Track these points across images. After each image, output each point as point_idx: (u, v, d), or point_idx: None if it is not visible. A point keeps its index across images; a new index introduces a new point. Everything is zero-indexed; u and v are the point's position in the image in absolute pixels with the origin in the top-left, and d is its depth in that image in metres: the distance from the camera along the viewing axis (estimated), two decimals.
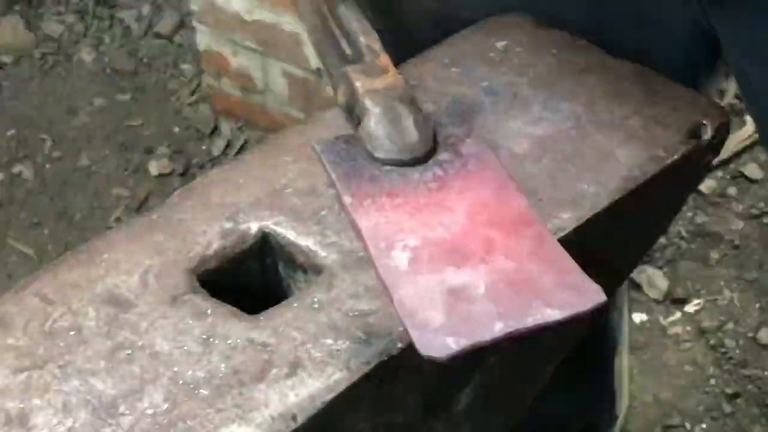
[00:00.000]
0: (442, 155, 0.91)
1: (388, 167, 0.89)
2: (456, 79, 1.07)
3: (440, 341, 0.79)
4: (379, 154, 0.89)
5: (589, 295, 0.84)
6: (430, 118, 0.93)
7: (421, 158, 0.90)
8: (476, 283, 0.84)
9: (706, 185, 2.65)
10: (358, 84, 0.91)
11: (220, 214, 0.95)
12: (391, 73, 0.93)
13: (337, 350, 0.84)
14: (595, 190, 0.97)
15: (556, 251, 0.87)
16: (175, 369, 0.83)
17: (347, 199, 0.87)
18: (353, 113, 0.92)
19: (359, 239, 0.86)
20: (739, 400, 2.26)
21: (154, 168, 2.71)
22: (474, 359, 0.96)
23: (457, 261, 0.85)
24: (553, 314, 0.82)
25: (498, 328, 0.81)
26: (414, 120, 0.90)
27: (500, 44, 1.11)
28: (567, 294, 0.84)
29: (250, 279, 0.95)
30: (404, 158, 0.89)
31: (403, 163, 0.89)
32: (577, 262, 0.98)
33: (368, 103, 0.90)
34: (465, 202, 0.88)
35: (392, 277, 0.84)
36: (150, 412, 0.80)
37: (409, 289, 0.82)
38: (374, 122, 0.90)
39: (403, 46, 1.08)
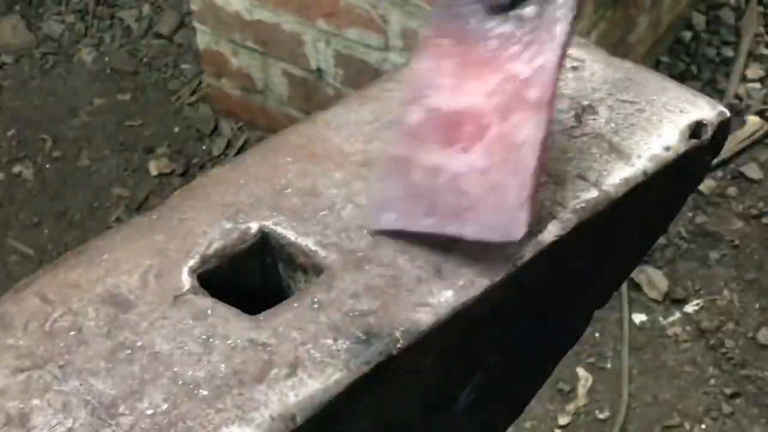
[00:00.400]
0: (528, 9, 0.90)
1: (475, 8, 0.90)
2: None
3: (382, 217, 0.91)
4: None
5: (510, 232, 0.88)
6: None
7: (506, 6, 0.90)
8: (445, 170, 0.90)
9: (706, 185, 2.65)
10: None
11: (220, 214, 0.95)
12: None
13: (337, 350, 0.84)
14: (595, 189, 0.97)
15: (527, 165, 0.89)
16: (175, 369, 0.83)
17: (426, 32, 0.91)
18: None
19: None
20: (738, 401, 2.26)
21: (154, 168, 2.71)
22: (473, 360, 0.96)
23: (447, 139, 0.90)
24: (470, 233, 0.89)
25: (426, 224, 0.90)
26: None
27: None
28: (497, 221, 0.89)
29: (250, 279, 0.95)
30: (485, 4, 0.90)
31: (486, 8, 0.90)
32: (575, 262, 0.99)
33: None
34: (501, 75, 0.90)
35: (399, 133, 0.92)
36: (150, 412, 0.80)
37: (401, 150, 0.91)
38: None
39: None
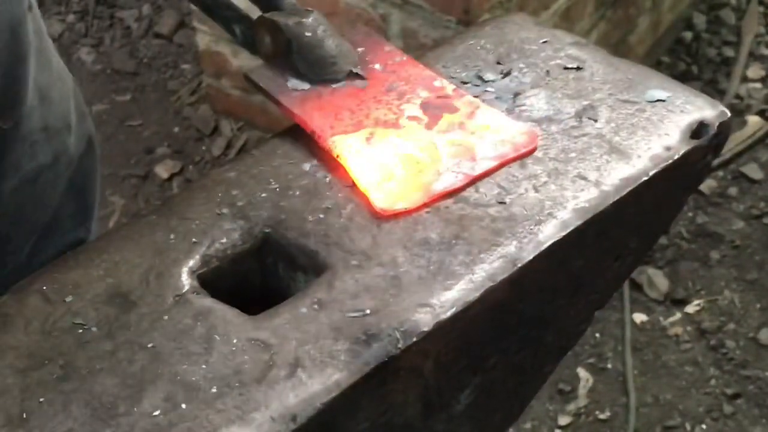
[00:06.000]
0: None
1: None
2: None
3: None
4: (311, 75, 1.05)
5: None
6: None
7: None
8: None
9: (707, 185, 2.65)
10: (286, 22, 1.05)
11: (220, 214, 0.95)
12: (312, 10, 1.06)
13: (338, 351, 0.84)
14: (595, 189, 0.97)
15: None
16: (176, 369, 0.83)
17: (296, 109, 1.01)
18: (278, 47, 1.07)
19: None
20: (739, 401, 2.27)
21: (154, 168, 2.71)
22: (474, 360, 0.96)
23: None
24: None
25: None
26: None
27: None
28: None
29: (250, 279, 0.95)
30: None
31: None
32: (576, 263, 0.98)
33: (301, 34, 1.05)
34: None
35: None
36: (150, 412, 0.80)
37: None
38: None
39: None
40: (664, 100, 1.05)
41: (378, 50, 1.09)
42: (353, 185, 0.97)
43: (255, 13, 1.08)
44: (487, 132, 1.01)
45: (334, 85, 1.04)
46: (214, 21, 1.10)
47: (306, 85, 1.05)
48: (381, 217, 0.94)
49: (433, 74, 1.07)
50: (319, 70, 1.05)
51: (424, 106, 1.03)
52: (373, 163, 0.98)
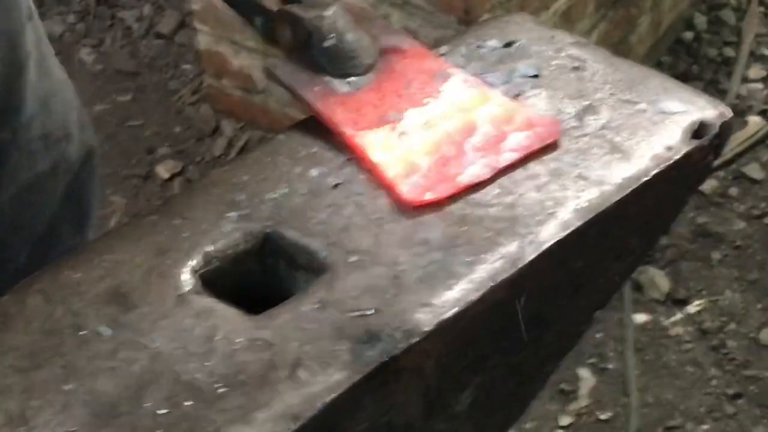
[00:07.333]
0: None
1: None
2: None
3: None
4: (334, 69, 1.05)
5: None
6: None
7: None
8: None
9: (708, 185, 2.65)
10: (308, 15, 1.04)
11: (221, 214, 0.95)
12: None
13: (339, 351, 0.84)
14: (596, 189, 0.97)
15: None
16: (177, 369, 0.83)
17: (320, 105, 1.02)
18: (298, 40, 1.05)
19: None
20: (740, 401, 2.27)
21: (155, 168, 2.72)
22: (475, 361, 0.96)
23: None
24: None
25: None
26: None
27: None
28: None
29: (251, 279, 0.95)
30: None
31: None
32: (577, 263, 0.99)
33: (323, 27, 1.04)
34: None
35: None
36: (151, 412, 0.80)
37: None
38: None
39: None
40: (675, 113, 1.04)
41: (398, 44, 1.09)
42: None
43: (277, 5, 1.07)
44: (510, 123, 1.01)
45: (354, 79, 1.04)
46: (237, 13, 1.09)
47: (327, 79, 1.04)
48: (410, 209, 0.94)
49: (453, 68, 1.07)
50: (339, 63, 1.04)
51: (446, 98, 1.03)
52: (398, 157, 0.98)
